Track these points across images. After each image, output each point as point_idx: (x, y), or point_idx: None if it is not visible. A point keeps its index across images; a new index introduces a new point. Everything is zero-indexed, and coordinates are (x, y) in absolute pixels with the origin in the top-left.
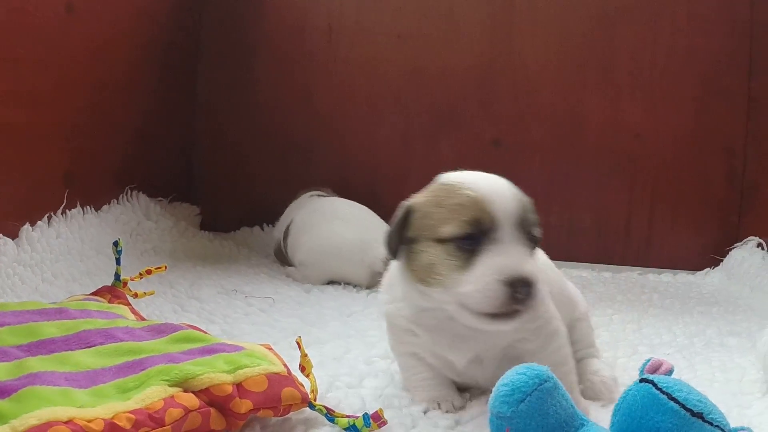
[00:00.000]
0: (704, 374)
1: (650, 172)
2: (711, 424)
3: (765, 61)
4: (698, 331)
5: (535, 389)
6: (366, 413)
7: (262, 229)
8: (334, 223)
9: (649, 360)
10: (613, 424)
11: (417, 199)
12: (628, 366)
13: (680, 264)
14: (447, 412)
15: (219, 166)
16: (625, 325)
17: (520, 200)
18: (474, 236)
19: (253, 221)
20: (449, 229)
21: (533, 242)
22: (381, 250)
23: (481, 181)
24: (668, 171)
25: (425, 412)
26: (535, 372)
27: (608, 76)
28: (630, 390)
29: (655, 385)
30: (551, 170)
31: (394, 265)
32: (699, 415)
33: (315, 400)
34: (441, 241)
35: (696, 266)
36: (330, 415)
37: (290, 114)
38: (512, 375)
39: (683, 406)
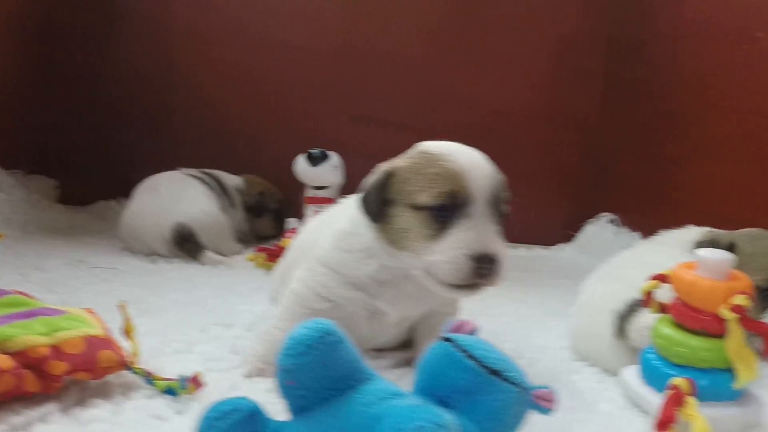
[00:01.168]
0: (539, 342)
1: (507, 147)
2: (508, 381)
3: (621, 40)
4: (543, 302)
5: (318, 343)
6: (183, 376)
7: (120, 202)
8: (141, 196)
9: (452, 320)
10: (415, 383)
11: (397, 163)
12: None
13: (536, 239)
14: None
15: (79, 140)
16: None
17: (495, 177)
18: (448, 208)
19: (111, 195)
20: (425, 198)
21: (502, 218)
22: (175, 221)
23: (460, 154)
24: (524, 147)
25: (248, 377)
26: (319, 326)
27: (467, 53)
28: (430, 348)
29: (454, 343)
30: (409, 147)
31: (353, 219)
32: (496, 373)
33: (135, 363)
34: (417, 208)
35: (551, 241)
36: (149, 378)
37: (151, 86)
38: (298, 329)
39: (480, 364)
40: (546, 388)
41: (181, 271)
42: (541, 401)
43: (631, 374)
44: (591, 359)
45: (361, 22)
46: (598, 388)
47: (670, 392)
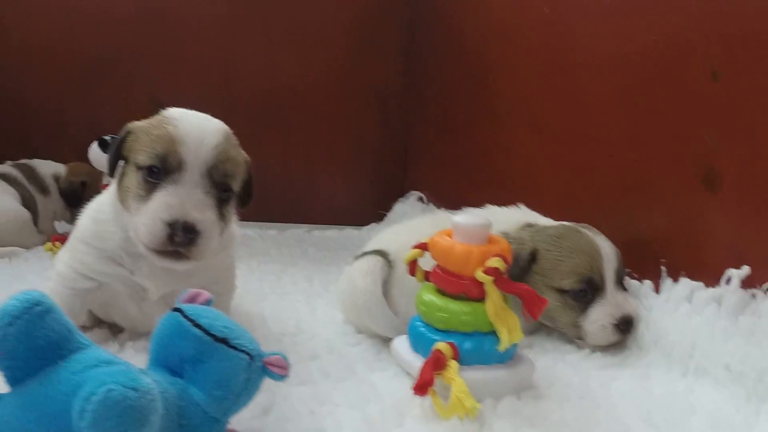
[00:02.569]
0: (325, 318)
1: (307, 128)
2: (236, 348)
3: (419, 17)
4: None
5: (25, 313)
6: None
7: None
8: None
9: (186, 291)
10: (149, 354)
11: (139, 123)
12: (251, 311)
13: (349, 220)
14: None
15: None
16: (265, 275)
17: (216, 147)
18: (158, 170)
19: None
20: (141, 158)
21: (225, 193)
22: None
23: (186, 120)
24: (324, 123)
25: None
26: (27, 297)
27: (262, 30)
28: (161, 319)
29: (182, 313)
30: None
31: (109, 189)
32: (223, 341)
33: None
34: (137, 167)
35: (365, 221)
36: None
37: None
38: (6, 301)
39: (207, 332)
40: (277, 354)
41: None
42: (274, 368)
43: (401, 342)
44: (365, 331)
45: None
46: (374, 359)
47: (430, 356)
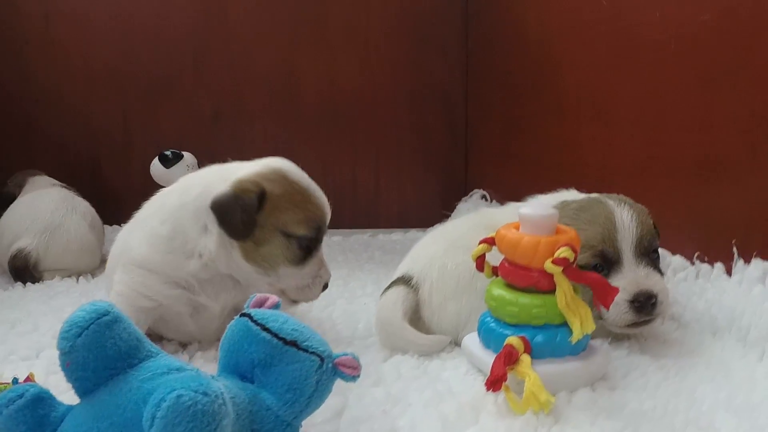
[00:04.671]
0: None
1: (372, 129)
2: (306, 350)
3: (478, 14)
4: None
5: (92, 323)
6: (15, 378)
7: None
8: None
9: (254, 296)
10: (219, 361)
11: (268, 186)
12: (320, 317)
13: (411, 222)
14: None
15: None
16: (333, 281)
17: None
18: (313, 238)
19: None
20: (302, 230)
21: None
22: None
23: (314, 185)
24: (390, 127)
25: None
26: (95, 307)
27: (322, 36)
28: (230, 325)
29: (251, 317)
30: (273, 138)
31: (175, 221)
32: (293, 343)
33: None
34: (288, 236)
35: (427, 223)
36: None
37: (7, 97)
38: (74, 312)
39: (276, 336)
40: (348, 355)
41: None
42: (345, 368)
43: (472, 340)
44: None
45: (209, 11)
46: (446, 357)
47: (502, 351)
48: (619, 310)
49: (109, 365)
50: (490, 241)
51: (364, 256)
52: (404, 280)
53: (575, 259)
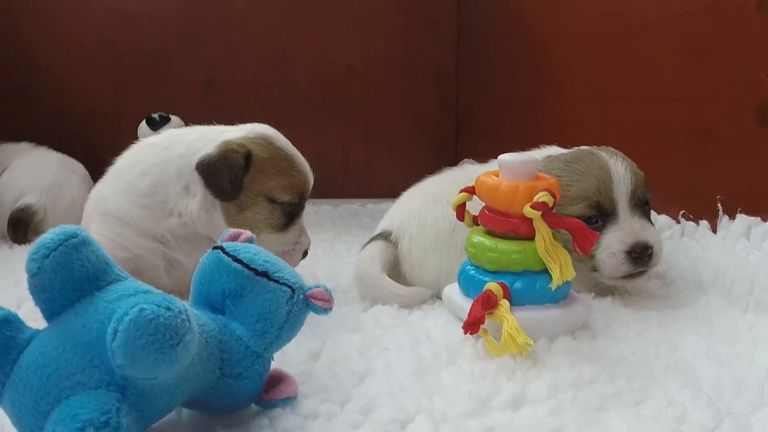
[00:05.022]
0: None
1: (363, 103)
2: (277, 281)
3: None
4: None
5: (61, 245)
6: None
7: None
8: None
9: (228, 230)
10: (191, 293)
11: (253, 148)
12: (303, 273)
13: (401, 192)
14: None
15: None
16: (319, 243)
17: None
18: (296, 204)
19: None
20: (287, 196)
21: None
22: None
23: (297, 153)
24: (381, 101)
25: None
26: (63, 230)
27: (315, 10)
28: (202, 258)
29: (223, 249)
30: (265, 107)
31: (155, 178)
32: (264, 274)
33: None
34: (273, 201)
35: None
36: None
37: (2, 63)
38: (43, 235)
39: (247, 267)
40: (320, 287)
41: None
42: (316, 300)
43: (452, 289)
44: None
45: None
46: (428, 309)
47: (481, 295)
48: (616, 261)
49: (76, 287)
50: (470, 191)
51: (352, 223)
52: (383, 236)
53: (554, 204)
